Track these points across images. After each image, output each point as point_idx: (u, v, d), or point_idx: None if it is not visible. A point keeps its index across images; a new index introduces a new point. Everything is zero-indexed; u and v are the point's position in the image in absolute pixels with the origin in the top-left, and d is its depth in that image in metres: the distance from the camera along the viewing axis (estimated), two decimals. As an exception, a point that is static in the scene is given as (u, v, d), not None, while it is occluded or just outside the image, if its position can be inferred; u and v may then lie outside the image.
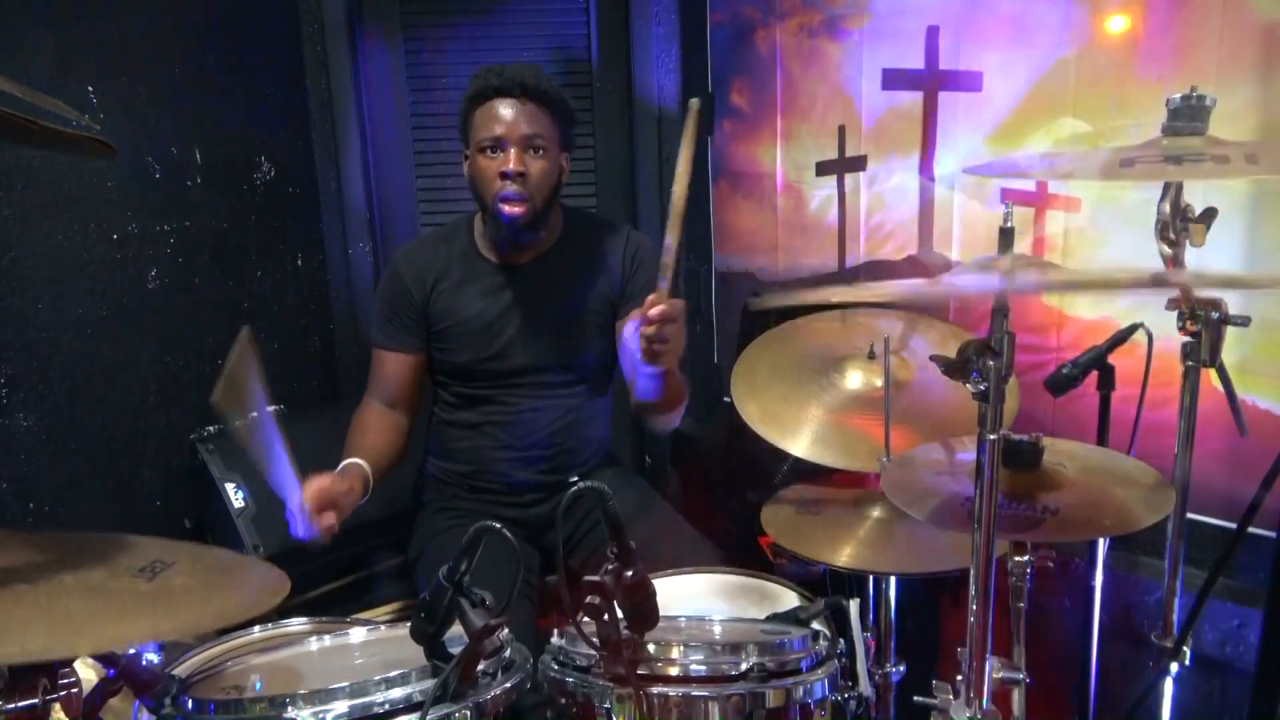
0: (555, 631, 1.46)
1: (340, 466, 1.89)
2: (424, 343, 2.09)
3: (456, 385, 2.11)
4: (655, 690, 1.29)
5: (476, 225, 2.10)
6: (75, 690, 1.05)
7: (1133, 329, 1.62)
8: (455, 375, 2.10)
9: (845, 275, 2.43)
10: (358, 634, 1.50)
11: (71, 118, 1.16)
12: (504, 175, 1.92)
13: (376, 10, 2.76)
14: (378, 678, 1.21)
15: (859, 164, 2.37)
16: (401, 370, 2.08)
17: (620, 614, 1.23)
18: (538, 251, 2.06)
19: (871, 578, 1.80)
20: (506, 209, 1.94)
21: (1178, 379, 1.51)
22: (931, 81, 2.18)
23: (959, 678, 1.22)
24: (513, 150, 1.92)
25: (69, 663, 1.05)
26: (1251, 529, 1.45)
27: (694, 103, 1.63)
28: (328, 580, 2.30)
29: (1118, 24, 1.84)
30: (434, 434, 2.19)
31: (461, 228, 2.12)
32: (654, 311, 1.59)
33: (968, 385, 1.09)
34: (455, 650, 1.22)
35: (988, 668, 1.19)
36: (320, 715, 1.16)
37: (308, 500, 1.70)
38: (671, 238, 1.61)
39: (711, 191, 2.82)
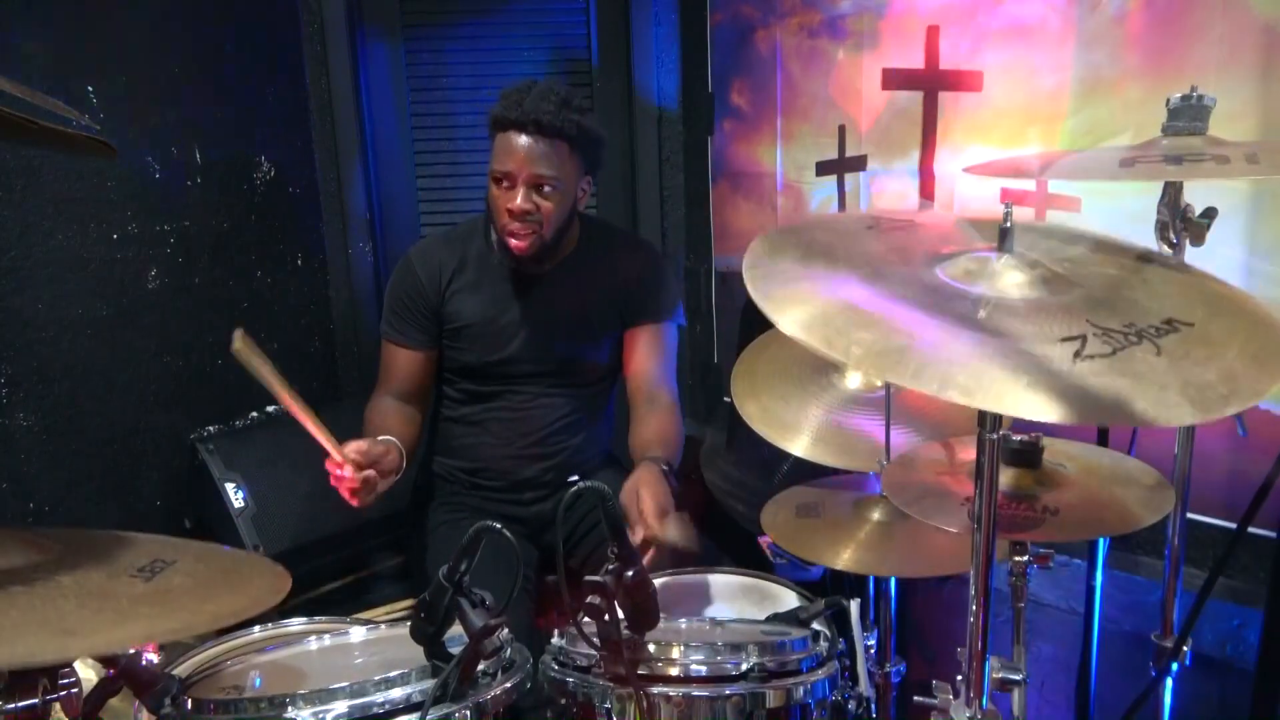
0: (555, 631, 1.46)
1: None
2: (435, 339, 2.08)
3: (463, 382, 2.12)
4: (655, 690, 1.29)
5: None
6: (75, 690, 1.04)
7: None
8: (462, 373, 2.11)
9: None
10: (358, 634, 1.50)
11: (71, 118, 1.16)
12: (510, 213, 1.90)
13: (376, 10, 2.76)
14: (378, 678, 1.21)
15: (859, 164, 2.37)
16: (413, 365, 2.08)
17: (620, 614, 1.23)
18: (554, 259, 2.06)
19: (871, 577, 1.80)
20: (512, 242, 1.93)
21: (1178, 379, 1.51)
22: (931, 81, 2.18)
23: (959, 678, 1.21)
24: (520, 189, 1.88)
25: (69, 663, 1.05)
26: (1251, 529, 1.45)
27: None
28: (328, 580, 2.30)
29: (1118, 24, 1.84)
30: (437, 431, 2.20)
31: (477, 228, 2.11)
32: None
33: (968, 385, 1.09)
34: (455, 650, 1.22)
35: (987, 668, 1.19)
36: (320, 715, 1.16)
37: (348, 452, 1.69)
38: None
39: (711, 191, 2.82)
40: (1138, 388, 0.90)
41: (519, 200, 1.88)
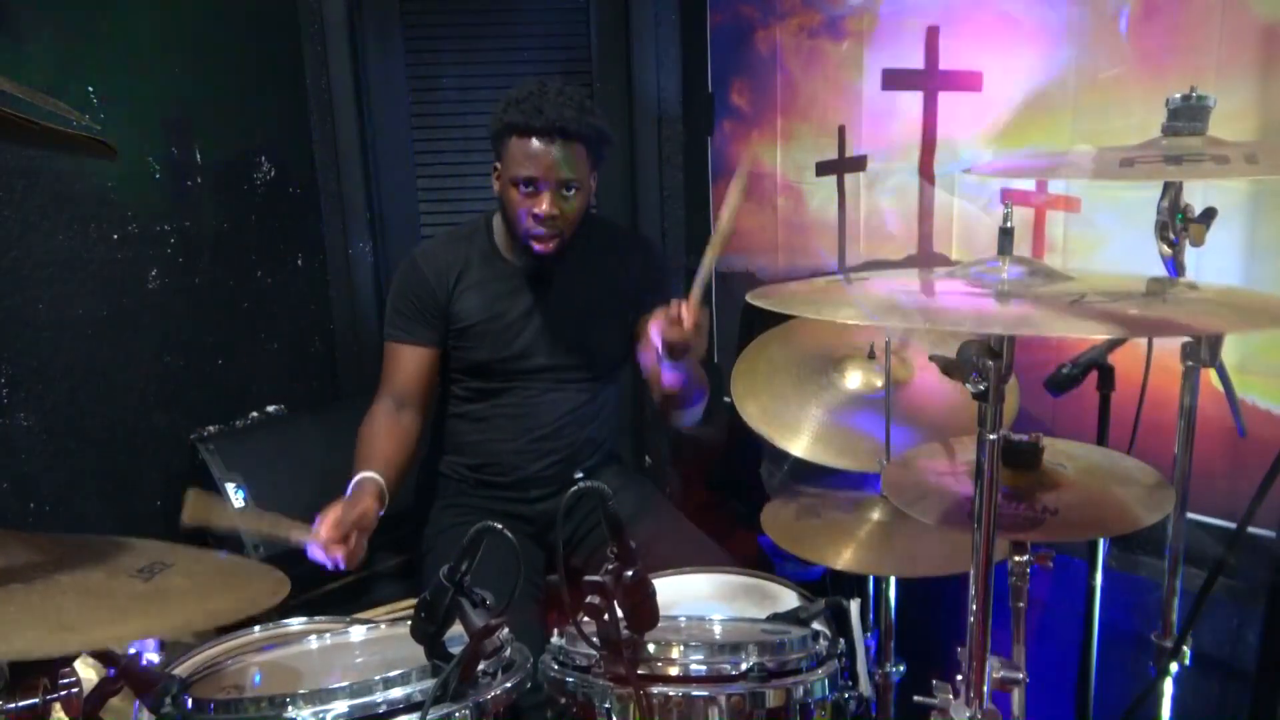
0: (555, 631, 1.46)
1: (352, 484, 1.87)
2: (442, 338, 2.09)
3: (471, 380, 2.13)
4: (655, 690, 1.29)
5: (495, 226, 2.10)
6: (75, 690, 1.04)
7: (1133, 329, 1.61)
8: (471, 372, 2.11)
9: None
10: (358, 633, 1.50)
11: (71, 118, 1.16)
12: (537, 218, 1.92)
13: (376, 10, 2.76)
14: (378, 677, 1.21)
15: (859, 164, 2.37)
16: (418, 365, 2.07)
17: (620, 614, 1.23)
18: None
19: (872, 577, 1.80)
20: (537, 245, 1.96)
21: (1178, 379, 1.51)
22: (931, 81, 2.18)
23: (959, 677, 1.21)
24: (547, 194, 1.91)
25: (69, 662, 1.05)
26: (1251, 529, 1.45)
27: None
28: (328, 580, 2.30)
29: (1118, 24, 1.84)
30: (443, 429, 2.20)
31: (480, 227, 2.12)
32: (687, 320, 1.71)
33: (967, 385, 1.09)
34: (455, 650, 1.22)
35: (988, 668, 1.19)
36: (320, 715, 1.17)
37: (324, 539, 1.73)
38: (711, 255, 1.72)
39: (711, 191, 2.82)
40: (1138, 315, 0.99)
41: (547, 205, 1.91)
